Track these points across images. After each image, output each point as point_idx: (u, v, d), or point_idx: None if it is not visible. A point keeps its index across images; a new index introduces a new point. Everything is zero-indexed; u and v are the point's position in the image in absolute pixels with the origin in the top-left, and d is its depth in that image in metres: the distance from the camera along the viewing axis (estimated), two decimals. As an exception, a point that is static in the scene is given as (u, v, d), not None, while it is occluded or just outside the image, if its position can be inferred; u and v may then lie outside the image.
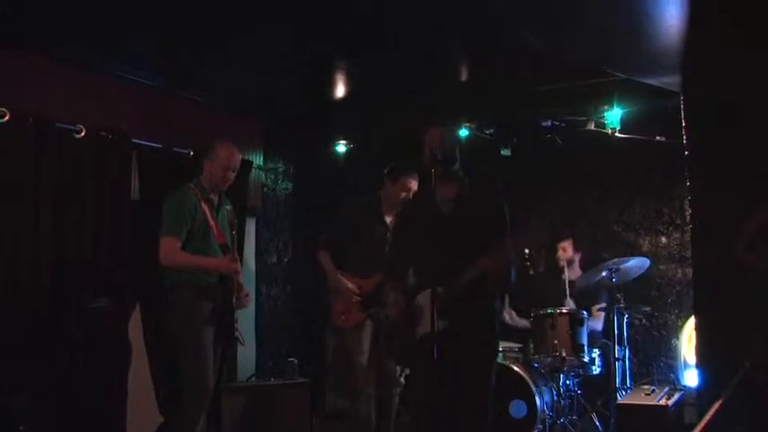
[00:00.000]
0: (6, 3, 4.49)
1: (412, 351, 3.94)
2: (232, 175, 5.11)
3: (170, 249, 4.81)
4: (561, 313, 6.05)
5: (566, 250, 6.83)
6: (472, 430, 3.91)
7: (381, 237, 5.47)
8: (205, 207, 4.91)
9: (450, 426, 3.88)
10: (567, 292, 6.52)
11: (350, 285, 5.49)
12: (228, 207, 5.18)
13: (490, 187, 4.18)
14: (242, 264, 5.40)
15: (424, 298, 3.86)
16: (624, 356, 6.35)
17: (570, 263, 6.82)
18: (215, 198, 5.05)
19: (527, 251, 3.86)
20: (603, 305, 6.46)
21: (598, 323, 6.56)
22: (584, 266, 6.84)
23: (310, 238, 6.27)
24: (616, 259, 6.23)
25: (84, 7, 4.63)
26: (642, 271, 6.42)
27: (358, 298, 5.46)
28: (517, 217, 4.10)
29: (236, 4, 4.69)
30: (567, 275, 6.69)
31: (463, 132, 7.19)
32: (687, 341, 6.48)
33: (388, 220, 5.55)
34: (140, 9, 4.66)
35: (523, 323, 6.58)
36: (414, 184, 5.46)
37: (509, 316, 6.72)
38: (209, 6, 4.70)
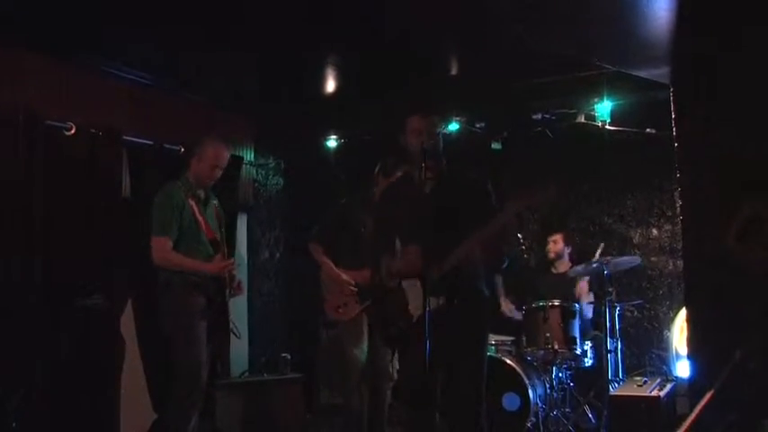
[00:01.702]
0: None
1: (406, 332, 3.94)
2: (219, 173, 5.09)
3: (162, 249, 4.79)
4: (553, 306, 6.07)
5: (556, 243, 6.87)
6: (467, 413, 3.91)
7: None
8: (192, 203, 4.88)
9: (445, 408, 3.91)
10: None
11: (345, 277, 5.49)
12: (215, 202, 5.17)
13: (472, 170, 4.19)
14: (233, 257, 5.40)
15: (411, 281, 3.88)
16: (616, 348, 6.37)
17: (560, 256, 6.86)
18: (201, 193, 5.04)
19: (522, 239, 3.83)
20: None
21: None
22: (575, 260, 6.87)
23: (302, 234, 6.26)
24: (608, 257, 6.26)
25: (73, 5, 4.61)
26: (633, 265, 6.47)
27: (354, 289, 5.46)
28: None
29: (227, 0, 4.68)
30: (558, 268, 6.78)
31: (454, 126, 7.20)
32: (679, 332, 6.50)
33: None
34: (130, 6, 4.65)
35: (519, 316, 6.62)
36: None
37: (508, 309, 6.72)
38: (199, 3, 4.69)
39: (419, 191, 3.99)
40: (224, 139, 5.19)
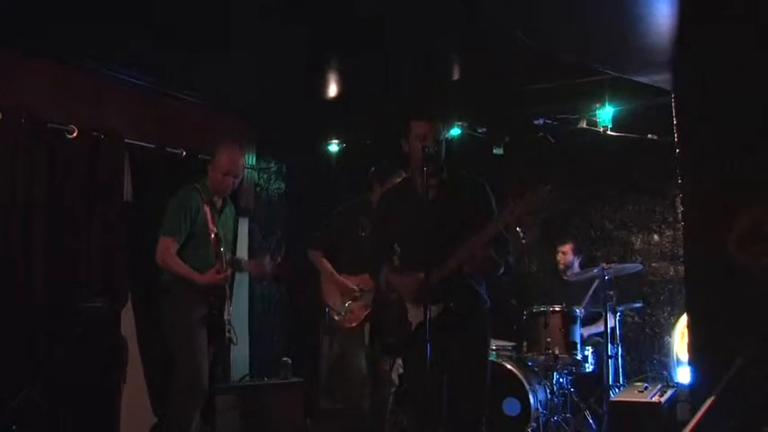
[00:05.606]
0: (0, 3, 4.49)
1: (405, 342, 3.95)
2: (232, 181, 4.99)
3: (166, 250, 4.79)
4: (554, 311, 6.07)
5: (566, 254, 6.89)
6: (469, 423, 3.91)
7: None
8: (207, 210, 4.85)
9: (449, 413, 3.90)
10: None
11: (349, 284, 5.48)
12: (230, 210, 5.16)
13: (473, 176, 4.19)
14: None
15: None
16: (617, 354, 6.37)
17: (570, 266, 6.87)
18: (218, 201, 5.01)
19: (522, 233, 3.79)
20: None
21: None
22: (584, 266, 6.87)
23: (303, 238, 6.26)
24: (613, 264, 6.25)
25: (77, 7, 4.62)
26: (634, 271, 6.47)
27: (358, 294, 5.44)
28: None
29: (229, 4, 4.69)
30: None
31: (455, 131, 7.20)
32: (680, 338, 6.50)
33: None
34: (134, 9, 4.66)
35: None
36: None
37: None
38: (201, 6, 4.69)
39: (421, 198, 3.96)
40: (240, 147, 5.12)
